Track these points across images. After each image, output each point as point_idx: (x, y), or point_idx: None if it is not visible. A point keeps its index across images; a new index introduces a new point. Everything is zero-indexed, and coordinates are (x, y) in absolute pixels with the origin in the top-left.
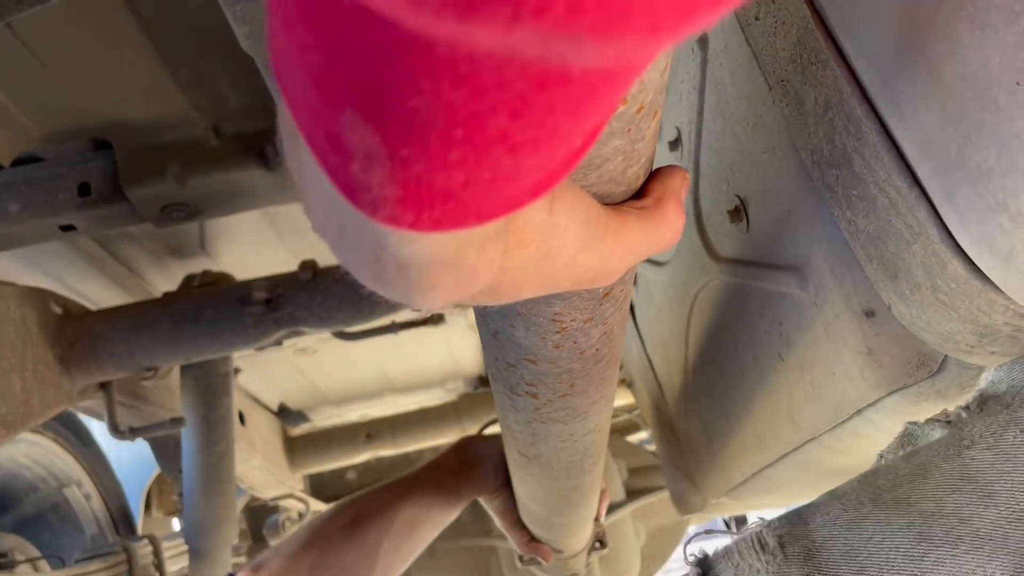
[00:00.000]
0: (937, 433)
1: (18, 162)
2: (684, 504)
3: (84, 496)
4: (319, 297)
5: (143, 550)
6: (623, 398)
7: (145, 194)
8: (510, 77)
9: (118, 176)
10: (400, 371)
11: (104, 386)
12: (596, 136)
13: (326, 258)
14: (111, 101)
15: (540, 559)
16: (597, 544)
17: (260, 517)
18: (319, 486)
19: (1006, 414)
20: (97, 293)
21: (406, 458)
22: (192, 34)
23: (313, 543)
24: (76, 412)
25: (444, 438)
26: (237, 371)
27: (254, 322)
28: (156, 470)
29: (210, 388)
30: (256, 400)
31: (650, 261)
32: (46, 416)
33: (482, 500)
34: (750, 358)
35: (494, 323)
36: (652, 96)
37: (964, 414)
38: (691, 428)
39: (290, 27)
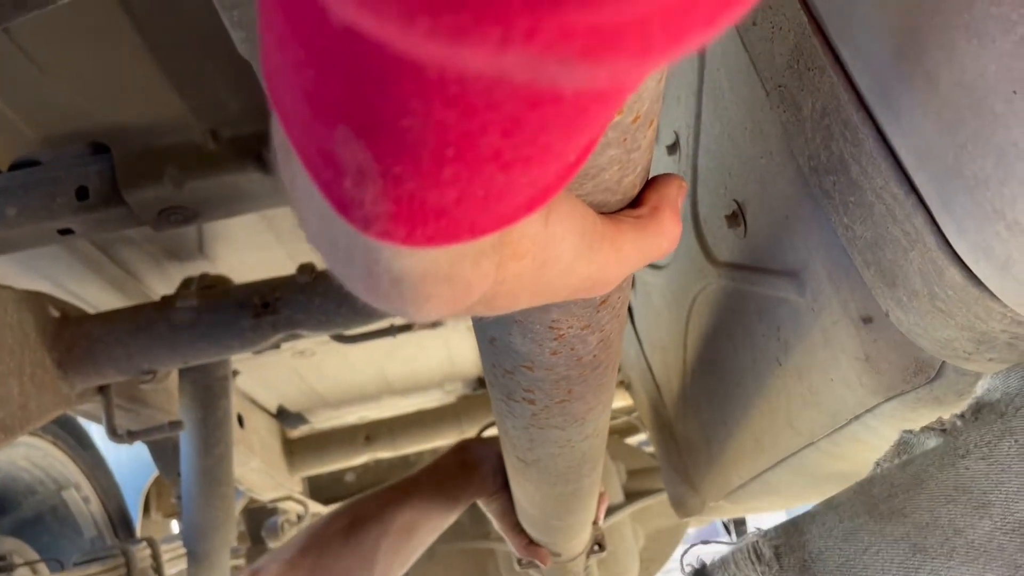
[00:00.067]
0: (932, 442)
1: (15, 166)
2: (683, 507)
3: (83, 499)
4: (317, 300)
5: (142, 553)
6: (622, 400)
7: (143, 197)
8: (501, 98)
9: (116, 180)
10: (398, 373)
11: (102, 389)
12: (590, 150)
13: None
14: (108, 105)
15: (538, 562)
16: (596, 547)
17: (259, 519)
18: (318, 488)
19: (1000, 423)
20: (95, 297)
21: (405, 460)
22: (189, 38)
23: (311, 548)
24: (75, 415)
25: (443, 440)
26: (236, 374)
27: (252, 325)
28: (155, 473)
29: (208, 391)
30: (255, 402)
31: (649, 264)
32: (44, 420)
33: (481, 503)
34: (748, 362)
35: (491, 330)
36: (648, 105)
37: (959, 423)
38: (690, 431)
39: (282, 44)
